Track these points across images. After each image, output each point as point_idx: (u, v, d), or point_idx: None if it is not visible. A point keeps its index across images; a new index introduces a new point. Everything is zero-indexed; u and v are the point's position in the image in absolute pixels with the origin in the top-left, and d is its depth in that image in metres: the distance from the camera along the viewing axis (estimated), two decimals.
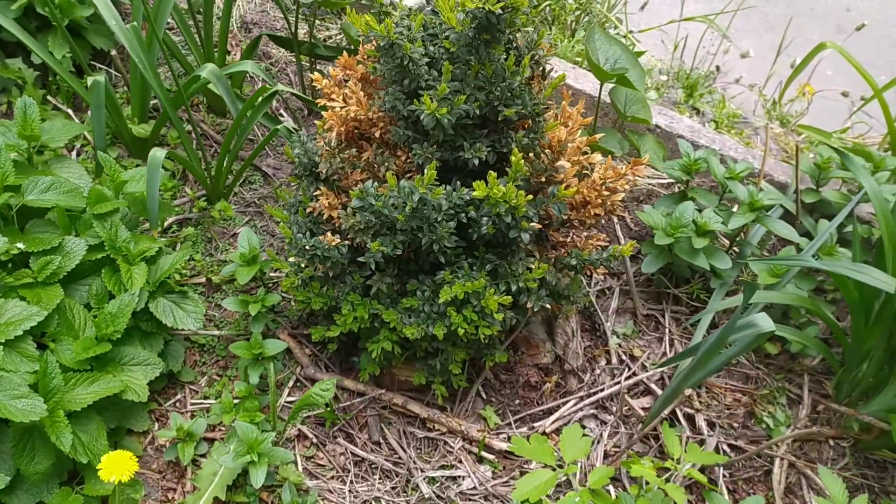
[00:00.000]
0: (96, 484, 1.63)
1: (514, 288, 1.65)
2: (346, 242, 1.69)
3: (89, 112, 2.37)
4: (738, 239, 2.09)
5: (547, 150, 1.61)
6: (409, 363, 1.95)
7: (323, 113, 1.74)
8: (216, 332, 2.04)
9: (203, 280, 2.12)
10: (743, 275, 2.10)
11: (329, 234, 1.67)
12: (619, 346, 2.10)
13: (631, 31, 2.80)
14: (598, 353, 2.09)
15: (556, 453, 1.72)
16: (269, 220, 2.28)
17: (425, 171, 1.49)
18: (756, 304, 1.87)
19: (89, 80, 1.87)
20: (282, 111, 2.54)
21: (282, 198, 1.95)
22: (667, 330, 2.12)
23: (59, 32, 2.28)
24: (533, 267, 1.64)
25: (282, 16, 2.73)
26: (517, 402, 2.01)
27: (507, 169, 1.60)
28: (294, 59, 2.67)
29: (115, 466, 1.42)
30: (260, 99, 1.98)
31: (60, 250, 1.68)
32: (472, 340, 1.76)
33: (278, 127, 2.00)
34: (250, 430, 1.71)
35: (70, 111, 2.38)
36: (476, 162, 1.56)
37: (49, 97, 2.37)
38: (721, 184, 2.05)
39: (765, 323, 1.48)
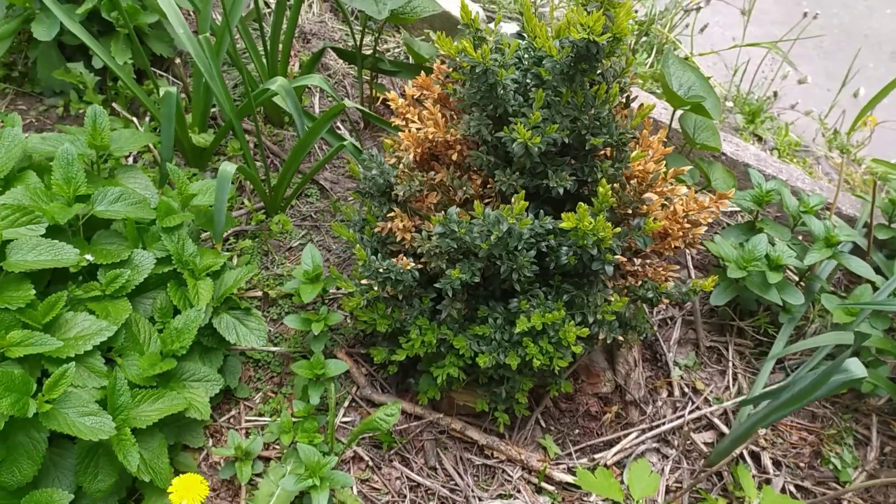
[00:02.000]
0: (155, 502, 1.60)
1: (590, 319, 1.61)
2: (419, 266, 1.65)
3: (147, 118, 2.36)
4: (807, 273, 2.04)
5: (632, 181, 1.57)
6: (468, 388, 1.91)
7: (399, 134, 1.71)
8: (272, 349, 2.01)
9: (259, 293, 2.09)
10: (812, 310, 2.05)
11: (403, 257, 1.63)
12: (682, 377, 2.06)
13: (691, 55, 2.76)
14: (660, 385, 2.04)
15: (622, 488, 1.68)
16: (326, 235, 2.25)
17: (512, 200, 1.45)
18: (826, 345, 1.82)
19: (161, 91, 1.85)
20: (338, 123, 2.51)
21: (345, 214, 1.92)
22: (730, 363, 2.08)
23: (122, 38, 2.26)
24: (612, 299, 1.60)
25: (340, 27, 2.70)
26: (577, 431, 1.97)
27: (589, 198, 1.56)
28: (350, 71, 2.64)
29: (187, 490, 1.39)
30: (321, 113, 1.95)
31: (129, 263, 1.66)
32: (541, 370, 1.73)
33: (344, 143, 1.97)
34: (312, 453, 1.67)
35: (133, 118, 2.36)
36: (561, 191, 1.53)
37: (106, 102, 2.35)
38: (793, 217, 2.00)
39: (857, 369, 1.43)
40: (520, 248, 1.52)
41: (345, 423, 1.93)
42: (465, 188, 1.63)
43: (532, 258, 1.52)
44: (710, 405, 2.00)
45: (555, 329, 1.56)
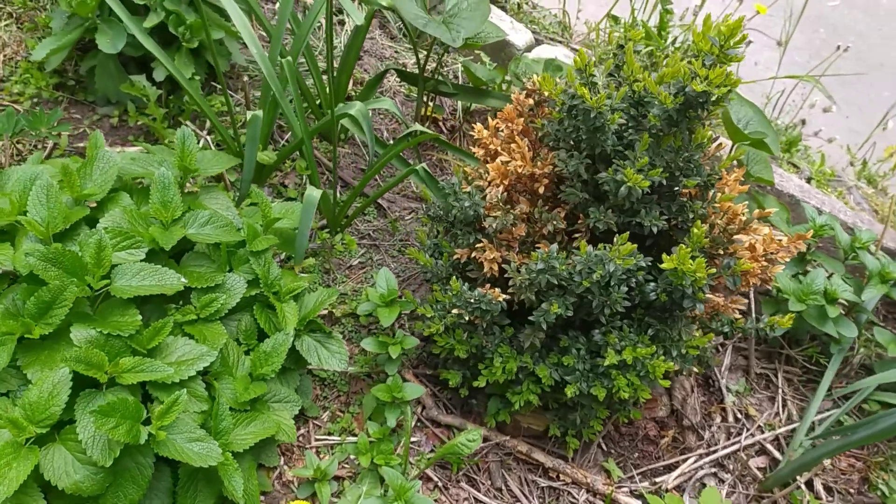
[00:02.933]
0: None
1: (674, 353, 1.67)
2: (506, 297, 1.70)
3: (206, 131, 2.36)
4: (855, 306, 2.13)
5: (719, 221, 1.63)
6: (534, 411, 1.96)
7: (487, 166, 1.75)
8: (330, 368, 2.03)
9: (324, 312, 2.11)
10: (857, 340, 2.14)
11: (495, 289, 1.67)
12: (734, 403, 2.13)
13: None
14: (714, 410, 2.12)
15: None
16: (385, 254, 2.28)
17: (615, 240, 1.51)
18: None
19: (248, 115, 1.86)
20: (390, 141, 2.54)
21: (419, 239, 1.96)
22: (779, 389, 2.16)
23: (185, 52, 2.27)
24: (697, 335, 1.66)
25: (389, 44, 2.73)
26: (636, 455, 2.04)
27: (671, 235, 1.62)
28: (400, 89, 2.67)
29: None
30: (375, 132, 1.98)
31: (222, 287, 1.68)
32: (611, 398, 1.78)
33: (416, 168, 2.00)
34: (396, 476, 1.71)
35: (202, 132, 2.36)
36: (654, 230, 1.58)
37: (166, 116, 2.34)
38: (844, 251, 2.08)
39: None
40: (612, 283, 1.58)
41: (412, 442, 1.97)
42: (554, 222, 1.68)
43: (626, 294, 1.58)
44: (763, 432, 2.07)
45: (642, 363, 1.62)
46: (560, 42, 2.90)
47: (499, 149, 1.80)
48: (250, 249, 1.74)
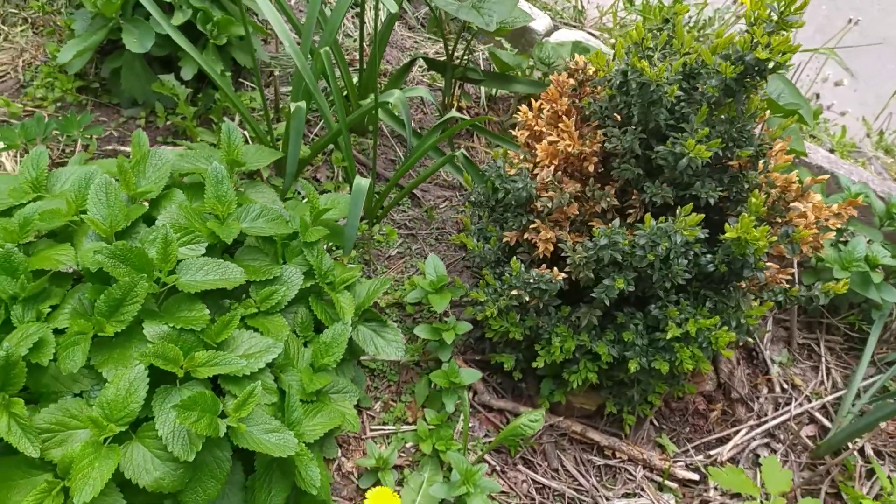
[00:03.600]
0: None
1: (733, 324, 1.68)
2: (564, 276, 1.70)
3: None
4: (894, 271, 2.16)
5: (774, 189, 1.65)
6: (586, 391, 1.97)
7: (537, 147, 1.76)
8: (387, 357, 2.03)
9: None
10: None
11: (554, 268, 1.68)
12: (779, 374, 2.15)
13: None
14: (760, 382, 2.14)
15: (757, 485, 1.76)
16: (423, 243, 2.28)
17: (678, 212, 1.52)
18: None
19: (292, 107, 1.85)
20: (418, 129, 2.54)
21: (464, 224, 1.96)
22: (822, 359, 2.18)
23: (212, 48, 2.25)
24: (755, 304, 1.68)
25: (408, 35, 2.73)
26: (687, 429, 2.05)
27: (720, 207, 1.63)
28: (423, 78, 2.67)
29: (381, 501, 1.42)
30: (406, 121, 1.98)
31: (280, 280, 1.67)
32: (671, 373, 1.80)
33: (455, 154, 2.00)
34: (461, 460, 1.72)
35: (253, 132, 2.34)
36: (711, 201, 1.60)
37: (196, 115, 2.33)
38: (880, 218, 2.11)
39: None
40: (671, 257, 1.59)
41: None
42: (608, 199, 1.69)
43: (686, 266, 1.59)
44: (810, 401, 2.10)
45: (704, 335, 1.63)
46: (575, 27, 2.91)
47: (543, 130, 1.81)
48: (304, 240, 1.74)
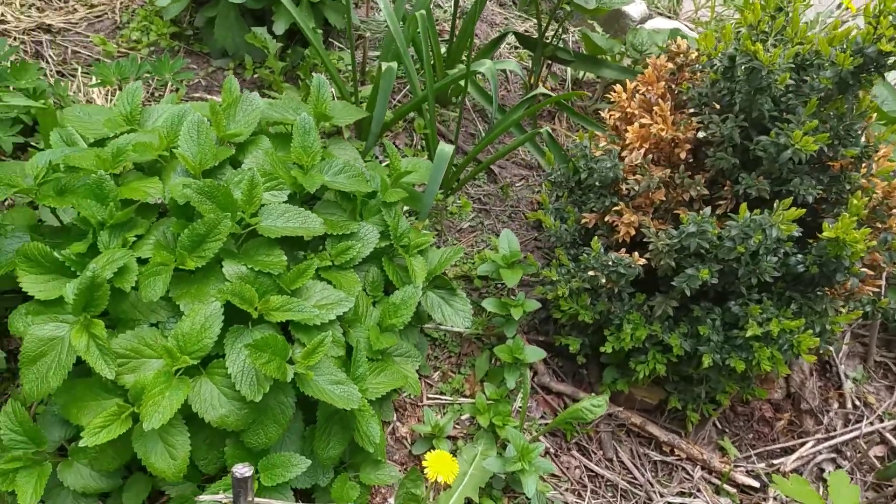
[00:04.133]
0: (370, 473, 1.62)
1: (817, 329, 1.62)
2: (643, 262, 1.66)
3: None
4: None
5: (877, 193, 1.57)
6: (650, 384, 1.93)
7: (627, 129, 1.71)
8: (450, 328, 2.02)
9: None
10: None
11: (635, 253, 1.64)
12: (852, 390, 2.07)
13: None
14: (831, 396, 2.06)
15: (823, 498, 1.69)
16: (495, 219, 2.25)
17: (776, 205, 1.46)
18: None
19: (383, 66, 1.85)
20: (501, 106, 2.50)
21: (542, 202, 1.92)
22: None
23: (305, 5, 2.26)
24: (842, 310, 1.60)
25: (499, 11, 2.69)
26: (751, 435, 1.99)
27: (823, 209, 1.56)
28: (508, 55, 2.63)
29: (441, 466, 1.40)
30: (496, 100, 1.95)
31: (356, 236, 1.66)
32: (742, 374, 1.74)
33: (540, 130, 1.97)
34: (519, 437, 1.69)
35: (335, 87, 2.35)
36: (810, 199, 1.53)
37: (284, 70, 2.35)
38: None
39: None
40: (760, 252, 1.53)
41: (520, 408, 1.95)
42: (697, 188, 1.64)
43: (774, 264, 1.53)
44: (882, 420, 2.01)
45: (786, 337, 1.57)
46: (669, 17, 2.83)
47: (635, 112, 1.76)
48: (383, 200, 1.73)
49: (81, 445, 1.27)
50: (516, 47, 2.64)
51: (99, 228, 1.44)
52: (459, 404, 1.92)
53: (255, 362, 1.31)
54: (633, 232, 1.67)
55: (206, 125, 1.55)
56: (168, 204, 1.50)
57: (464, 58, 2.48)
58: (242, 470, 1.21)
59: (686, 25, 2.79)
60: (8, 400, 1.45)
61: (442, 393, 1.95)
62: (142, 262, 1.43)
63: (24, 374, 1.32)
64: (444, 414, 1.91)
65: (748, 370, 1.64)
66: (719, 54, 1.52)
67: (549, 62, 2.39)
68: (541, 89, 1.98)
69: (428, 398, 1.94)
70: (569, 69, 2.54)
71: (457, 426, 1.89)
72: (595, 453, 1.91)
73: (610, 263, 1.63)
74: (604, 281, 1.65)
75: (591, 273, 1.65)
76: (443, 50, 2.33)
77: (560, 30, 2.30)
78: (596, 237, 1.66)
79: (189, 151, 1.52)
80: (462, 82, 2.10)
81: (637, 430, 1.95)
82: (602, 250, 1.65)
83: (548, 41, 2.29)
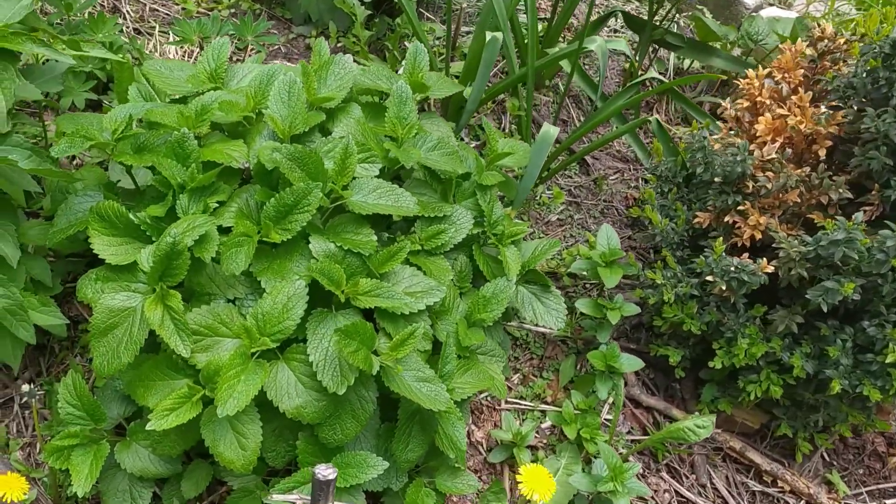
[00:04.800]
0: (448, 481, 1.47)
1: None
2: (771, 269, 1.48)
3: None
4: None
5: None
6: (753, 406, 1.74)
7: (757, 121, 1.53)
8: (533, 328, 1.86)
9: None
10: None
11: (763, 259, 1.46)
12: None
13: None
14: None
15: None
16: (586, 214, 2.08)
17: None
18: None
19: (488, 36, 1.69)
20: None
21: (647, 196, 1.75)
22: None
23: None
24: None
25: None
26: (861, 471, 1.79)
27: None
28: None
29: (537, 483, 1.25)
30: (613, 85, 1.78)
31: (448, 220, 1.51)
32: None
33: (648, 118, 1.79)
34: (612, 454, 1.53)
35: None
36: None
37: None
38: None
39: None
40: None
41: (608, 420, 1.78)
42: (839, 190, 1.45)
43: None
44: None
45: None
46: (782, 8, 2.61)
47: (767, 102, 1.57)
48: (479, 182, 1.58)
49: (149, 429, 1.15)
50: (615, 31, 2.46)
51: (178, 191, 1.31)
52: (541, 411, 1.77)
53: (342, 350, 1.17)
54: (758, 235, 1.49)
55: (298, 86, 1.41)
56: (253, 169, 1.37)
57: (561, 38, 2.31)
58: (326, 472, 1.07)
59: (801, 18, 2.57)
60: (68, 371, 1.34)
61: (522, 397, 1.80)
62: (222, 231, 1.30)
63: (95, 347, 1.20)
64: (524, 420, 1.75)
65: (884, 399, 1.45)
66: (881, 39, 1.32)
67: (654, 48, 2.20)
68: (652, 73, 1.80)
69: (506, 401, 1.79)
70: (671, 57, 2.35)
71: (536, 435, 1.73)
72: (687, 477, 1.74)
73: (732, 269, 1.45)
74: (723, 288, 1.47)
75: (708, 278, 1.48)
76: (539, 29, 2.16)
77: (676, 9, 2.11)
78: (720, 238, 1.48)
79: (279, 114, 1.39)
80: (565, 61, 1.93)
81: (736, 456, 1.77)
82: (725, 256, 1.47)
83: (657, 24, 2.11)
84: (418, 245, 1.48)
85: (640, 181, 2.13)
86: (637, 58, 2.17)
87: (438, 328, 1.45)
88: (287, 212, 1.29)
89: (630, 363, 1.66)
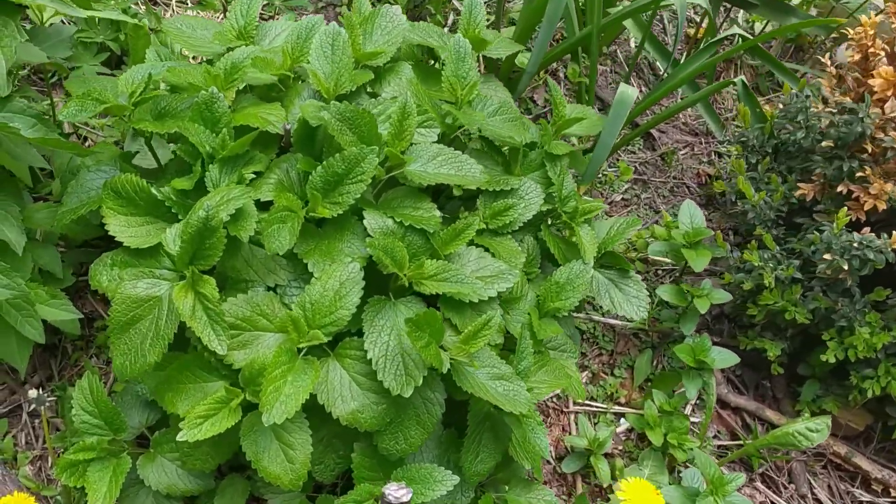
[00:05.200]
0: (521, 495, 1.27)
1: None
2: None
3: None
4: None
5: None
6: (858, 406, 1.52)
7: (874, 74, 1.31)
8: (603, 319, 1.65)
9: None
10: None
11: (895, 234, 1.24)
12: None
13: None
14: None
15: None
16: (654, 193, 1.87)
17: None
18: None
19: None
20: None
21: (736, 168, 1.54)
22: None
23: None
24: None
25: None
26: None
27: None
28: None
29: (642, 499, 1.04)
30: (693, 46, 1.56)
31: (516, 194, 1.31)
32: None
33: (735, 80, 1.58)
34: (711, 464, 1.31)
35: None
36: None
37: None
38: None
39: None
40: None
41: (693, 423, 1.57)
42: None
43: None
44: None
45: None
46: None
47: (880, 52, 1.36)
48: (549, 152, 1.37)
49: (180, 439, 0.95)
50: None
51: (208, 161, 1.11)
52: (615, 413, 1.56)
53: (414, 345, 0.96)
54: (882, 206, 1.27)
55: (343, 38, 1.21)
56: (294, 135, 1.17)
57: None
58: (399, 493, 0.88)
59: None
60: (84, 373, 1.15)
61: (592, 398, 1.59)
62: (259, 207, 1.10)
63: (115, 344, 1.01)
64: (596, 423, 1.55)
65: None
66: None
67: (726, 6, 1.99)
68: (736, 29, 1.59)
69: (575, 403, 1.58)
70: (739, 16, 2.13)
71: (611, 440, 1.53)
72: (785, 487, 1.52)
73: (855, 245, 1.23)
74: (845, 268, 1.25)
75: (826, 257, 1.26)
76: None
77: None
78: (844, 209, 1.27)
79: (322, 70, 1.19)
80: (630, 21, 1.72)
81: (839, 462, 1.55)
82: (847, 232, 1.26)
83: None
84: (482, 223, 1.28)
85: (713, 155, 1.91)
86: (712, 16, 1.96)
87: (509, 318, 1.25)
88: (337, 182, 1.09)
89: (723, 358, 1.45)
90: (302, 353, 1.04)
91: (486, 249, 1.23)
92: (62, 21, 1.41)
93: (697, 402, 1.61)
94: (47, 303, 1.20)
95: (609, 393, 1.59)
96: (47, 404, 1.14)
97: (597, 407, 1.57)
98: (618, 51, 2.07)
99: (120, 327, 1.03)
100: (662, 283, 1.71)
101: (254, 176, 1.12)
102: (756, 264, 1.41)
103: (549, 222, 1.43)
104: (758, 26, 2.14)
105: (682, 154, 1.91)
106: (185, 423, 0.99)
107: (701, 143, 1.94)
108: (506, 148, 1.39)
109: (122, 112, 1.14)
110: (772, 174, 1.50)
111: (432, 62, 1.54)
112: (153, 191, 1.09)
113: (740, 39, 1.71)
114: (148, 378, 1.09)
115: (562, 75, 1.98)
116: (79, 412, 1.14)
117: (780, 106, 1.51)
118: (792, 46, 2.11)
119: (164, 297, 1.02)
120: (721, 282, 1.52)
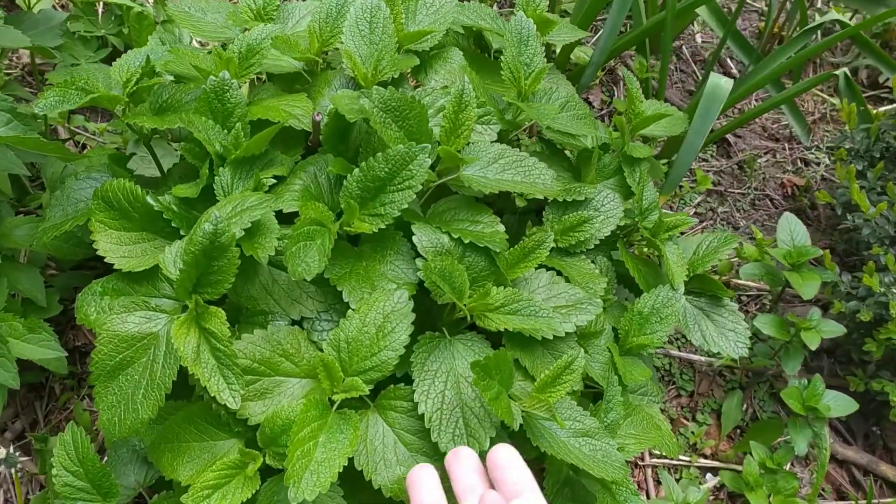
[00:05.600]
0: None
1: None
2: None
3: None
4: None
5: None
6: None
7: None
8: (680, 353, 1.41)
9: None
10: None
11: None
12: None
13: None
14: None
15: None
16: (732, 206, 1.63)
17: None
18: None
19: None
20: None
21: (846, 177, 1.29)
22: None
23: None
24: None
25: None
26: None
27: None
28: None
29: None
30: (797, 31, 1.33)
31: (590, 206, 1.07)
32: None
33: (835, 72, 1.34)
34: None
35: None
36: None
37: None
38: None
39: None
40: None
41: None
42: None
43: None
44: None
45: None
46: None
47: None
48: (627, 154, 1.14)
49: None
50: None
51: (218, 163, 0.89)
52: (699, 468, 1.31)
53: (483, 396, 0.73)
54: None
55: (384, 13, 0.99)
56: (324, 132, 0.95)
57: None
58: None
59: None
60: (69, 423, 0.93)
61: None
62: (281, 220, 0.87)
63: (100, 395, 0.79)
64: (679, 479, 1.30)
65: None
66: None
67: None
68: (832, 14, 1.36)
69: (651, 455, 1.34)
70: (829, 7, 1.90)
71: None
72: None
73: None
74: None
75: None
76: None
77: None
78: None
79: (358, 51, 0.97)
80: (703, 8, 1.50)
81: None
82: None
83: None
84: (552, 241, 1.04)
85: (799, 162, 1.67)
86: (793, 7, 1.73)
87: (587, 358, 1.01)
88: (378, 189, 0.86)
89: (839, 405, 1.19)
90: (335, 406, 0.81)
91: (559, 273, 0.99)
92: (53, 6, 1.20)
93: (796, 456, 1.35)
94: (23, 338, 0.99)
95: (692, 443, 1.34)
96: (17, 466, 0.92)
97: (679, 461, 1.32)
98: (683, 46, 1.84)
99: (106, 374, 0.80)
100: (748, 310, 1.47)
101: (274, 181, 0.90)
102: (877, 291, 1.16)
103: (626, 238, 1.19)
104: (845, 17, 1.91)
105: (763, 162, 1.67)
106: (190, 496, 0.76)
107: (784, 150, 1.69)
108: (567, 151, 1.16)
109: (114, 104, 0.93)
110: (888, 182, 1.25)
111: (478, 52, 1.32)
112: (150, 200, 0.87)
113: (839, 27, 1.47)
114: (144, 434, 0.87)
115: (620, 74, 1.76)
116: (60, 473, 0.92)
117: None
118: (878, 42, 1.87)
119: (161, 335, 0.80)
120: (824, 311, 1.27)
